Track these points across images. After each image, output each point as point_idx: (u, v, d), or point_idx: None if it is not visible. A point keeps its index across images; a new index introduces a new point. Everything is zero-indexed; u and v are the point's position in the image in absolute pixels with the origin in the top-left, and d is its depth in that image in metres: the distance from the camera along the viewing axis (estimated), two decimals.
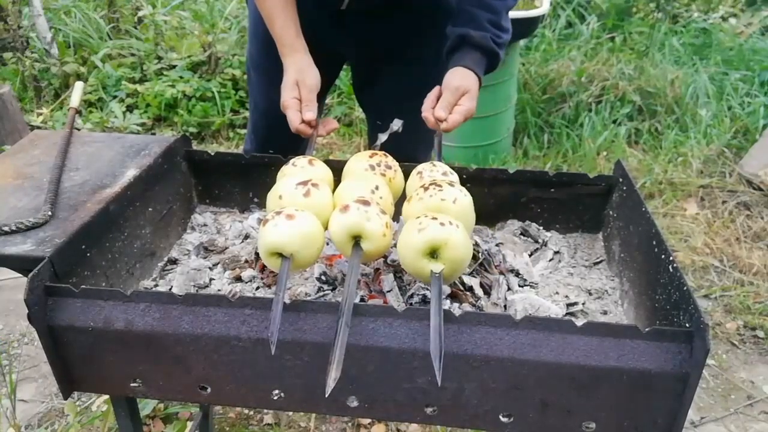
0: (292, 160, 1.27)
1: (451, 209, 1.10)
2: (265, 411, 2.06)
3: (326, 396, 0.87)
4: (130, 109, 3.96)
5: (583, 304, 1.23)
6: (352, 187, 1.17)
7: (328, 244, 1.29)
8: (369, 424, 2.03)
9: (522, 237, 1.42)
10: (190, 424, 1.92)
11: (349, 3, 1.58)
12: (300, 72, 1.45)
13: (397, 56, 1.69)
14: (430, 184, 1.14)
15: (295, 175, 1.20)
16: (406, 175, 1.30)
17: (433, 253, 1.02)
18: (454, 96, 1.41)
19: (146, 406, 1.96)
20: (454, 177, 1.26)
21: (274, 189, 1.17)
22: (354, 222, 1.06)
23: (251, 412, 2.07)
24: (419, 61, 1.66)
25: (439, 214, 1.05)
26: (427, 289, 1.16)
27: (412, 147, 1.71)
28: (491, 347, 0.94)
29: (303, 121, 1.41)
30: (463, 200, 1.13)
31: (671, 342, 0.92)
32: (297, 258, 1.04)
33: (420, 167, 1.28)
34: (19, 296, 2.54)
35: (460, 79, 1.42)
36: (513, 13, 3.13)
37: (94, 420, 1.96)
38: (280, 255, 1.04)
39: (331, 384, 0.87)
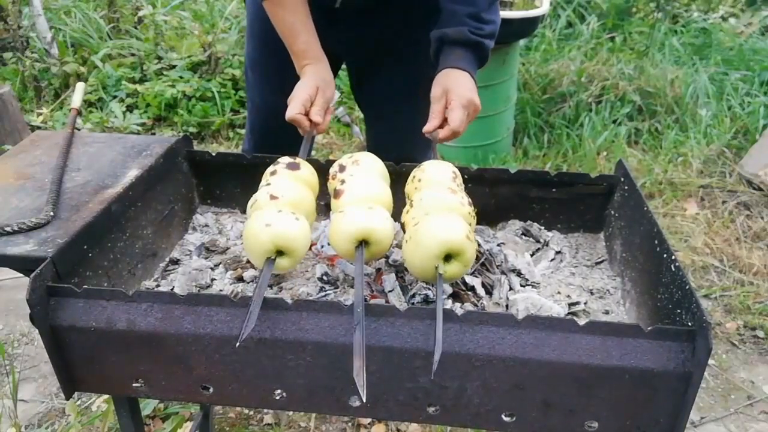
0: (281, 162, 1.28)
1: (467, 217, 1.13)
2: (265, 411, 2.06)
3: (364, 401, 0.88)
4: (130, 109, 3.96)
5: (585, 303, 1.23)
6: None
7: (323, 246, 1.31)
8: (369, 424, 2.03)
9: (523, 237, 1.42)
10: (189, 423, 1.92)
11: (343, 2, 1.58)
12: (323, 81, 1.46)
13: (391, 55, 1.69)
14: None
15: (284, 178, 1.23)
16: (400, 175, 1.30)
17: (447, 257, 1.05)
18: (439, 103, 1.41)
19: (147, 406, 1.96)
20: (459, 179, 1.27)
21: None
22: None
23: (251, 412, 2.07)
24: (413, 60, 1.66)
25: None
26: (429, 289, 1.16)
27: (409, 146, 1.71)
28: (493, 347, 0.94)
29: (309, 120, 1.40)
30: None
31: (674, 341, 0.92)
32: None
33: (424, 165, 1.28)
34: (19, 296, 2.54)
35: (441, 83, 1.41)
36: (513, 14, 3.17)
37: (95, 420, 1.96)
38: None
39: (362, 392, 0.88)
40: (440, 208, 1.11)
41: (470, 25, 1.42)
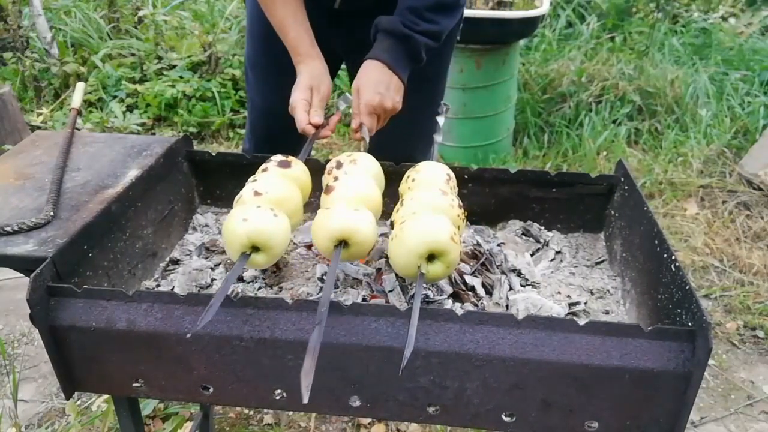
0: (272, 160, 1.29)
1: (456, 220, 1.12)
2: (265, 411, 2.06)
3: (305, 403, 0.85)
4: (130, 109, 3.96)
5: (585, 303, 1.23)
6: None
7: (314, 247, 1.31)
8: (369, 424, 2.03)
9: (523, 237, 1.42)
10: (189, 423, 1.92)
11: (342, 2, 1.58)
12: (315, 78, 1.47)
13: None
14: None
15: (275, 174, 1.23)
16: (400, 176, 1.30)
17: (431, 257, 1.04)
18: (356, 100, 1.43)
19: (146, 406, 1.96)
20: (453, 181, 1.26)
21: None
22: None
23: (251, 412, 2.07)
24: None
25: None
26: (429, 289, 1.16)
27: (410, 147, 1.71)
28: (493, 346, 0.95)
29: (309, 123, 1.42)
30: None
31: (674, 341, 0.92)
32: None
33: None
34: (19, 296, 2.54)
35: (358, 76, 1.43)
36: (513, 14, 3.17)
37: (95, 420, 1.96)
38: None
39: (305, 393, 0.85)
40: (429, 208, 1.10)
41: (406, 18, 1.40)
